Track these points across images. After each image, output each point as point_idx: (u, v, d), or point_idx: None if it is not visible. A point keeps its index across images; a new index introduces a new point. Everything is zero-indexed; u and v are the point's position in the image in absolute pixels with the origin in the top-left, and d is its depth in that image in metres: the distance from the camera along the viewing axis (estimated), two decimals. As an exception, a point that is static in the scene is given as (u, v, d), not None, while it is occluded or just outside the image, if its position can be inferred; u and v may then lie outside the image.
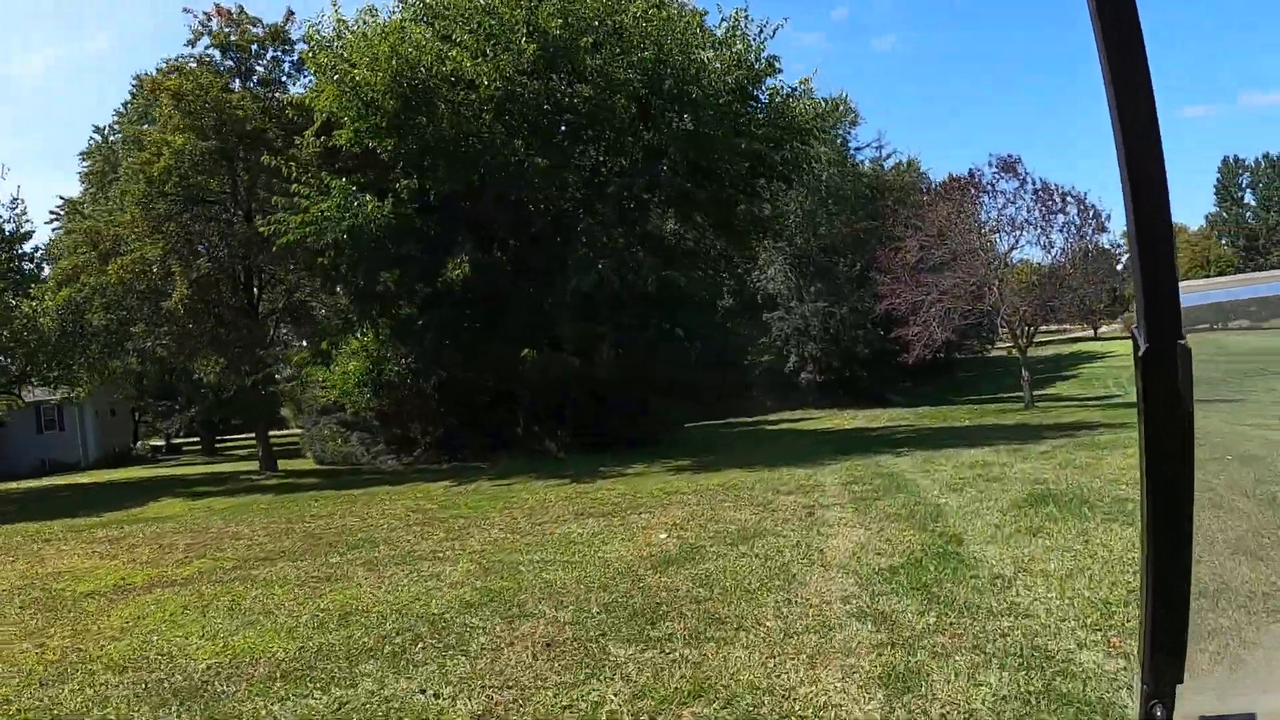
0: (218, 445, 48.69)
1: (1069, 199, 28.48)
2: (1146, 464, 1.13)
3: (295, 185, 20.89)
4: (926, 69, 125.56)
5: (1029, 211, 28.77)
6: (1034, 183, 28.63)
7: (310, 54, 21.80)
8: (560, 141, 20.46)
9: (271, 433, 30.93)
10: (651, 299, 20.81)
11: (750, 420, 36.30)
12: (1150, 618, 1.17)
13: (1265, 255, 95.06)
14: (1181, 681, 1.18)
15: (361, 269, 21.24)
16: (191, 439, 50.02)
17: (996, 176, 28.92)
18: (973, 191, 29.40)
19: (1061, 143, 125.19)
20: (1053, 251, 28.87)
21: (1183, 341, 1.11)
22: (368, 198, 19.89)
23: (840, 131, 39.19)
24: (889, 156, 43.28)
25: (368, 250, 20.34)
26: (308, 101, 21.60)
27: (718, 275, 27.53)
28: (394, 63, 19.28)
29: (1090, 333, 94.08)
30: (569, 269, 19.38)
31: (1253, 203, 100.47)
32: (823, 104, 21.81)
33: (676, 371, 26.38)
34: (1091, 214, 28.61)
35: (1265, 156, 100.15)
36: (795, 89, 21.36)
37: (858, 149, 40.71)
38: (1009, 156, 29.38)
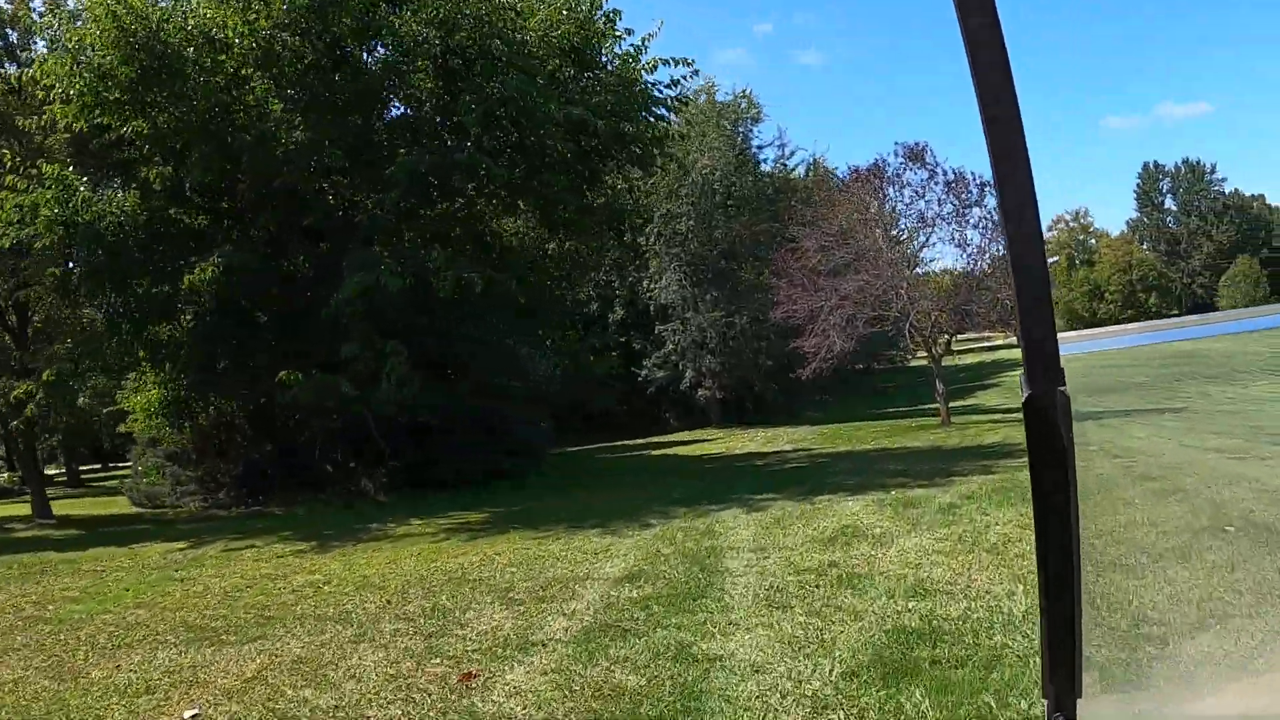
0: (83, 476, 44.52)
1: (987, 189, 25.12)
2: (1035, 500, 1.26)
3: (9, 177, 16.43)
4: (849, 79, 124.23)
5: (940, 205, 25.49)
6: (945, 173, 25.39)
7: (43, 17, 17.50)
8: (332, 116, 16.28)
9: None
10: (467, 306, 16.89)
11: (641, 443, 32.60)
12: (1047, 640, 1.30)
13: (1187, 259, 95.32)
14: (1081, 696, 1.29)
15: (92, 279, 16.81)
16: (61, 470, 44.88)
17: (903, 166, 25.66)
18: (876, 183, 26.10)
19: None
20: (968, 249, 25.28)
21: (1063, 389, 1.22)
22: (83, 190, 15.58)
23: (741, 129, 35.88)
24: (793, 154, 39.89)
25: (99, 254, 16.03)
26: (36, 75, 17.14)
27: (569, 279, 23.54)
28: (120, 13, 15.06)
29: (1014, 340, 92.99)
30: (344, 270, 15.26)
31: (1173, 208, 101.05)
32: (675, 69, 17.97)
33: (523, 394, 22.53)
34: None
35: (1185, 162, 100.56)
36: (637, 47, 17.43)
37: (760, 147, 37.35)
38: (916, 144, 26.14)
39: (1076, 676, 1.28)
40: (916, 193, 25.29)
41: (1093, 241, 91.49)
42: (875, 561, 7.70)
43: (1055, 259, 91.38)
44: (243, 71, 15.92)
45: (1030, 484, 1.25)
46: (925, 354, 25.38)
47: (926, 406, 42.13)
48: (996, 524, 8.64)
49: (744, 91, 36.29)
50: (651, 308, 34.59)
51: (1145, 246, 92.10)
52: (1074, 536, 1.24)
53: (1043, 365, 1.21)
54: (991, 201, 25.08)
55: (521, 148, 17.04)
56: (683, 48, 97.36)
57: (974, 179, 24.45)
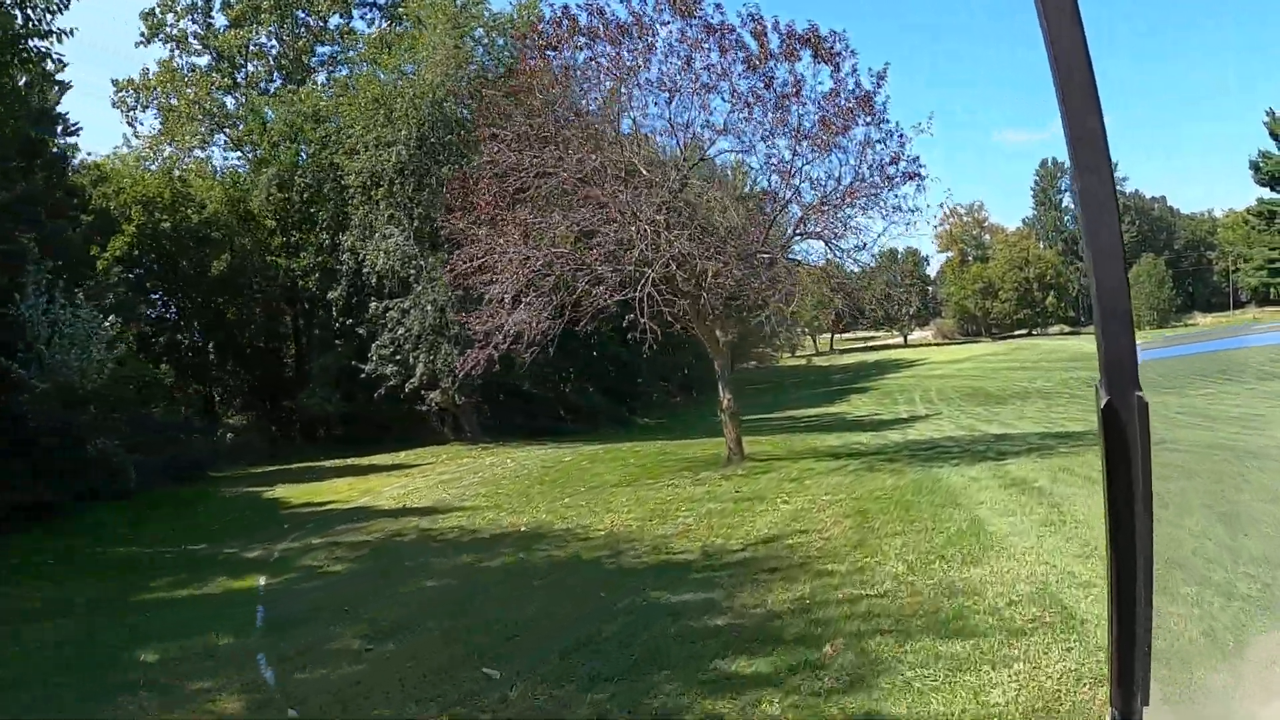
0: None
1: (836, 57, 14.02)
2: (1109, 508, 1.25)
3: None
4: None
5: (734, 78, 14.43)
6: (740, 18, 14.21)
7: None
8: None
9: None
10: None
11: (327, 466, 23.03)
12: (1115, 647, 1.29)
13: (1084, 259, 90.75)
14: (1148, 704, 1.29)
15: None
16: None
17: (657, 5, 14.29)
18: (614, 35, 14.49)
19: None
20: (773, 161, 15.21)
21: (1140, 394, 1.20)
22: None
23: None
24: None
25: None
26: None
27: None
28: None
29: (900, 339, 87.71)
30: None
31: (1071, 206, 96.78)
32: None
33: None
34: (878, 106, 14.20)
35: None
36: None
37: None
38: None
39: (1143, 684, 1.27)
40: (675, 49, 14.48)
41: (987, 237, 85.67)
42: None
43: (949, 254, 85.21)
44: None
45: (1105, 496, 1.25)
46: (713, 352, 16.17)
47: (774, 418, 33.75)
48: None
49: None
50: (373, 279, 24.71)
51: (1042, 245, 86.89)
52: (1144, 545, 1.22)
53: (1120, 371, 1.21)
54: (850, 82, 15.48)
55: None
56: None
57: (796, 35, 13.97)
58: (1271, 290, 76.19)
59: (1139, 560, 1.23)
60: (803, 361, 69.11)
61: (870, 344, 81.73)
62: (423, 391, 23.79)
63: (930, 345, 79.00)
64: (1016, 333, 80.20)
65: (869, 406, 35.62)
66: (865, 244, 15.75)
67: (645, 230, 13.87)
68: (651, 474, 16.09)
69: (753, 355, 54.73)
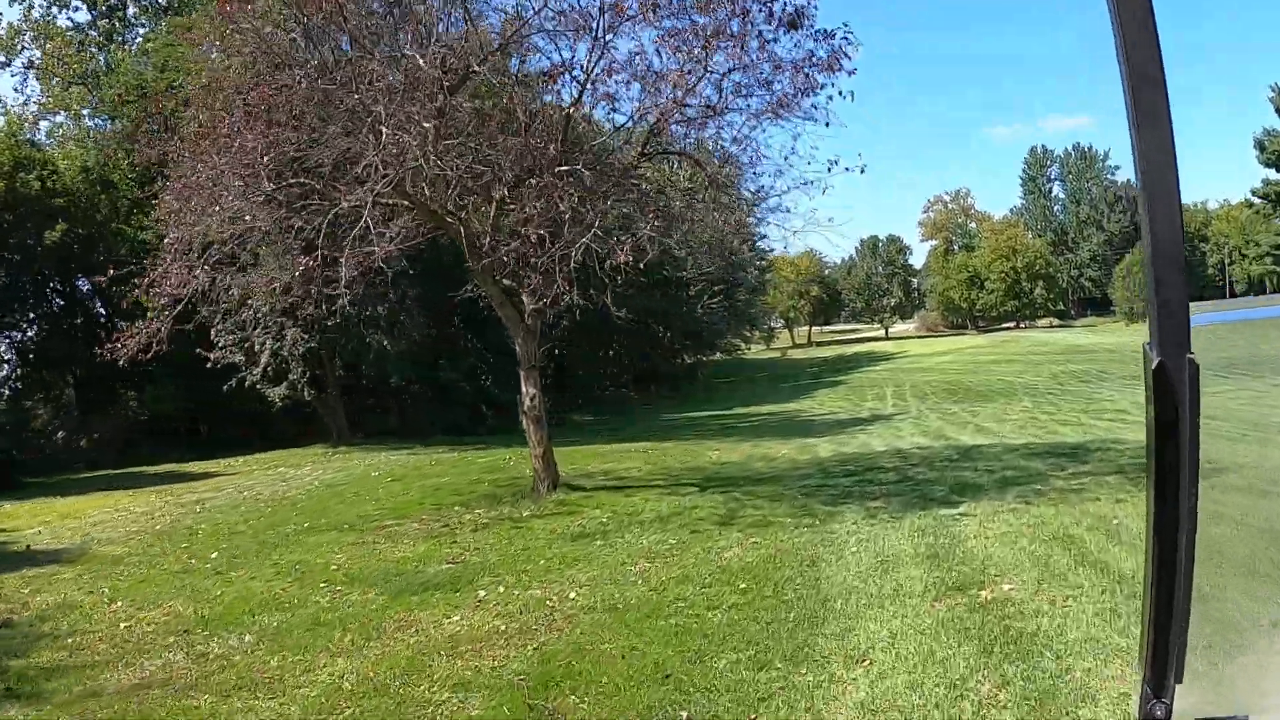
0: None
1: None
2: (1154, 472, 1.18)
3: None
4: None
5: None
6: None
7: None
8: None
9: None
10: None
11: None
12: (1151, 622, 1.22)
13: (1075, 250, 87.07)
14: (1181, 682, 1.23)
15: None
16: None
17: None
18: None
19: None
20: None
21: (1191, 356, 1.14)
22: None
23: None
24: None
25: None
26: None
27: None
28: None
29: (881, 332, 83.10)
30: None
31: (1061, 195, 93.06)
32: None
33: None
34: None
35: (1075, 148, 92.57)
36: None
37: None
38: None
39: (1177, 662, 1.22)
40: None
41: (973, 225, 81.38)
42: None
43: (934, 242, 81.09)
44: None
45: (1149, 460, 1.17)
46: (511, 327, 11.72)
47: (717, 415, 29.47)
48: None
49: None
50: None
51: (1030, 235, 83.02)
52: (1187, 517, 1.15)
53: (1172, 330, 1.13)
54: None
55: None
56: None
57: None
58: (1268, 282, 72.53)
59: (1182, 534, 1.16)
60: (777, 354, 64.97)
61: (850, 336, 77.52)
62: (258, 386, 19.41)
63: (912, 338, 74.89)
64: (1004, 325, 76.36)
65: (833, 403, 31.45)
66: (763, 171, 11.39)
67: (409, 144, 9.16)
68: (414, 508, 11.34)
69: (718, 346, 50.51)
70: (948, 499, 9.29)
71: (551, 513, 10.21)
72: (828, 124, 9.83)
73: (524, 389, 11.31)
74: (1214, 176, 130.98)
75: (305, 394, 19.81)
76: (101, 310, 27.00)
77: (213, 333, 20.69)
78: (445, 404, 25.89)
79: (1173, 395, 1.12)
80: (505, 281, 10.89)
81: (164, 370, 22.40)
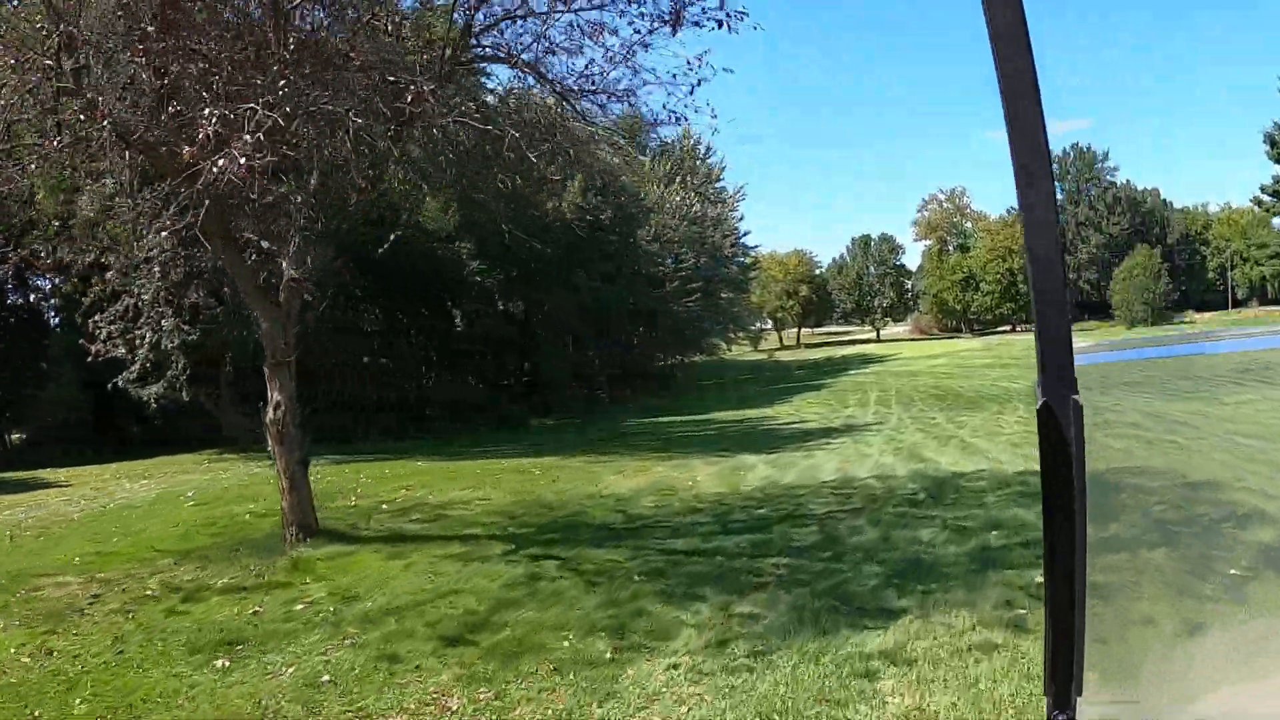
0: None
1: None
2: (1045, 504, 1.25)
3: None
4: None
5: None
6: None
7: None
8: None
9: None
10: None
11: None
12: (1050, 642, 1.29)
13: (1073, 252, 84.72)
14: (1080, 694, 1.29)
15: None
16: None
17: None
18: None
19: None
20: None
21: (1076, 397, 1.20)
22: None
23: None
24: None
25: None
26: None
27: None
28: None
29: (873, 334, 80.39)
30: None
31: (1058, 195, 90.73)
32: None
33: None
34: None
35: (1074, 147, 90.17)
36: None
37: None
38: None
39: (1077, 675, 1.29)
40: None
41: (969, 225, 78.85)
42: None
43: (927, 242, 78.65)
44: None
45: (1040, 486, 1.25)
46: (256, 306, 9.10)
47: (680, 422, 26.88)
48: None
49: None
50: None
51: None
52: (1080, 541, 1.25)
53: (1057, 372, 1.22)
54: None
55: None
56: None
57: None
58: (1269, 287, 70.25)
59: (1075, 556, 1.25)
60: (763, 356, 62.46)
61: (840, 339, 74.98)
62: (130, 382, 16.81)
63: (905, 340, 72.42)
64: (999, 328, 73.92)
65: (810, 409, 28.91)
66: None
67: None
68: (112, 562, 8.66)
69: (701, 346, 47.92)
70: (877, 600, 6.27)
71: (262, 583, 7.49)
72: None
73: (269, 394, 8.58)
74: (1214, 179, 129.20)
75: (184, 393, 17.16)
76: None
77: (90, 324, 18.27)
78: (381, 406, 23.40)
79: (1060, 432, 1.20)
80: (247, 234, 8.24)
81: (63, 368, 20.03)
